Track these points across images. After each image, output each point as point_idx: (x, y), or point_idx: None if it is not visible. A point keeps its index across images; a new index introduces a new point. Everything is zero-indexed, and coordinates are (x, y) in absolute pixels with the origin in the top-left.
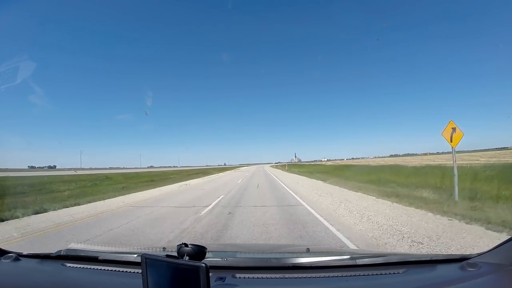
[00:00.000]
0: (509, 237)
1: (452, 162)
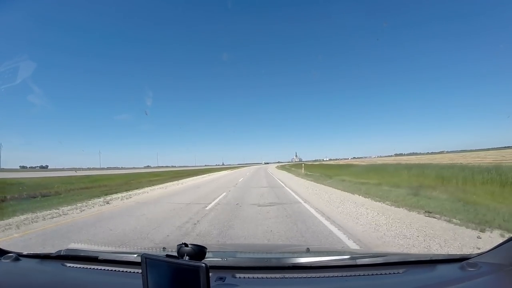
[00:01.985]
0: (510, 237)
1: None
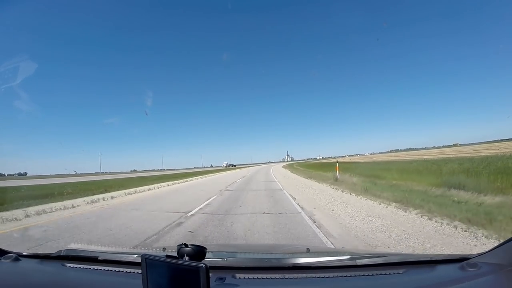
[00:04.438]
0: (510, 237)
1: None
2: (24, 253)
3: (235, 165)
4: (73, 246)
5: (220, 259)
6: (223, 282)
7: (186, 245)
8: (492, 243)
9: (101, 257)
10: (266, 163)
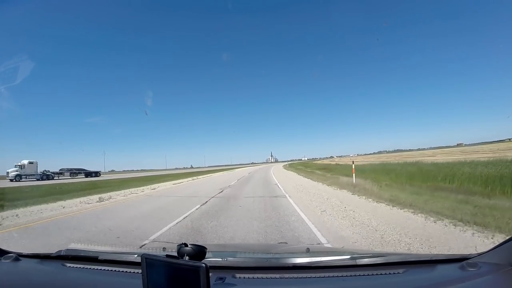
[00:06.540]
0: (509, 237)
1: None
2: (24, 253)
3: (253, 163)
4: (73, 246)
5: (220, 259)
6: (223, 282)
7: (186, 245)
8: None
9: (101, 257)
10: (249, 164)
